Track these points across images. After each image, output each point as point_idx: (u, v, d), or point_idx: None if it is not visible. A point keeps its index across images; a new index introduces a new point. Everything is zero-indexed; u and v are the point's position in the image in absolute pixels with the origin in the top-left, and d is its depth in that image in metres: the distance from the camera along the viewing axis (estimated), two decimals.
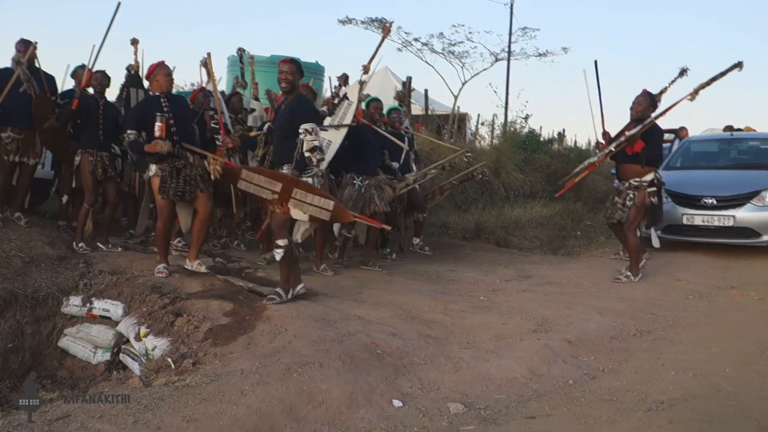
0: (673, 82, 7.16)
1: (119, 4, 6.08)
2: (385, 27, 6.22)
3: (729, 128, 12.65)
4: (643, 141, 6.53)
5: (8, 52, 5.96)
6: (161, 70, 5.54)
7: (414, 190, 7.76)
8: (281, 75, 5.03)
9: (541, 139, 16.89)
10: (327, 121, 6.43)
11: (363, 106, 6.91)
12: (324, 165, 5.93)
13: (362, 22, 20.38)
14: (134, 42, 7.09)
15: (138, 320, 4.69)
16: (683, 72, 7.12)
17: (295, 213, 4.93)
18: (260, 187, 4.95)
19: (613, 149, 6.64)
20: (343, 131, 6.54)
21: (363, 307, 5.20)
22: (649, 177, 6.60)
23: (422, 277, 6.73)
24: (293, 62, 5.10)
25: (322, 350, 4.05)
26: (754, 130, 13.26)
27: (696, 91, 6.40)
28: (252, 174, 5.03)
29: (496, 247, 9.26)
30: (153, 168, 5.44)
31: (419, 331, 4.75)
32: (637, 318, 5.49)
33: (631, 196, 6.64)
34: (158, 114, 5.30)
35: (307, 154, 4.86)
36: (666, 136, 13.41)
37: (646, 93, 6.67)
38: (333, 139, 6.47)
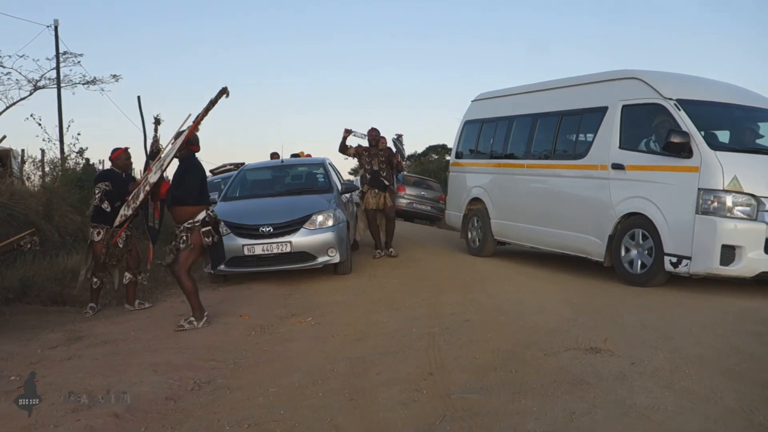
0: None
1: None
2: None
3: (275, 155, 13.56)
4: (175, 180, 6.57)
5: None
6: None
7: None
8: None
9: None
10: None
11: None
12: None
13: None
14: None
15: None
16: (157, 122, 7.30)
17: None
18: None
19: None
20: None
21: None
22: (201, 216, 6.50)
23: None
24: None
25: None
26: (309, 155, 14.51)
27: (197, 123, 6.60)
28: None
29: (42, 308, 8.22)
30: None
31: None
32: (197, 368, 5.26)
33: (185, 238, 6.49)
34: None
35: None
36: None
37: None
38: None
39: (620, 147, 7.98)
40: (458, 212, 11.14)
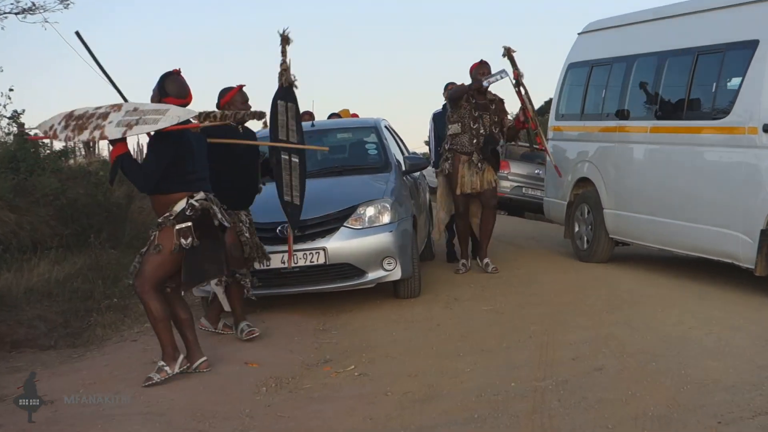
0: None
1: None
2: None
3: (307, 115, 13.49)
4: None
5: None
6: None
7: None
8: None
9: (47, 151, 16.31)
10: None
11: None
12: None
13: None
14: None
15: None
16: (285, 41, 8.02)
17: None
18: None
19: None
20: None
21: None
22: (179, 206, 6.53)
23: None
24: None
25: None
26: (356, 116, 14.44)
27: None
28: None
29: None
30: None
31: None
32: None
33: (152, 238, 6.59)
34: None
35: None
36: None
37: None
38: None
39: None
40: (561, 200, 11.38)
